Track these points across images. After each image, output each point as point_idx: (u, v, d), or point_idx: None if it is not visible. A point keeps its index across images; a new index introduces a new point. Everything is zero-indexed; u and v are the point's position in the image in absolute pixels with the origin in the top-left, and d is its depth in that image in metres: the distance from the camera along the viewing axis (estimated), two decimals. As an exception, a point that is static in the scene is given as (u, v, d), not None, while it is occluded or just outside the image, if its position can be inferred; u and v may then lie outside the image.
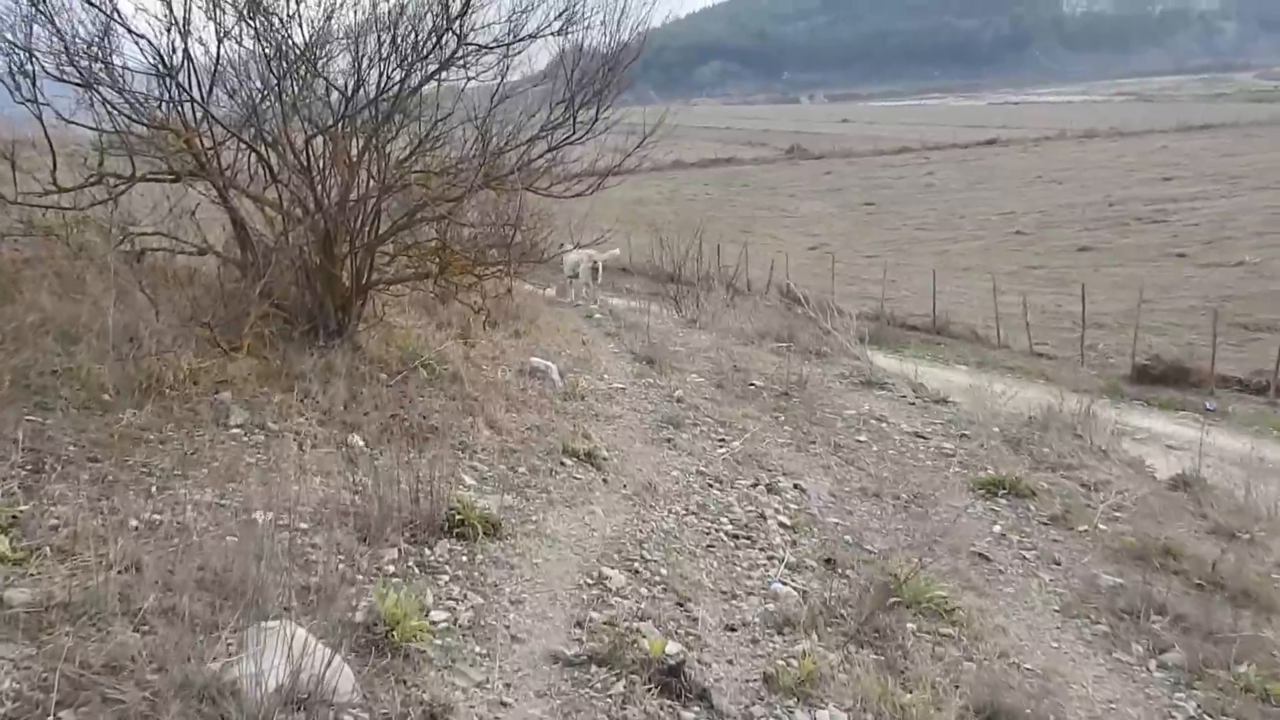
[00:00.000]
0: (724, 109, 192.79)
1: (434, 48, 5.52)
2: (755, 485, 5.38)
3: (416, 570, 3.70)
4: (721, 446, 6.11)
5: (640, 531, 4.52)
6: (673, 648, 3.42)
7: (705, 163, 78.49)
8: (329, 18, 5.45)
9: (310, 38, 5.43)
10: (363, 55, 5.39)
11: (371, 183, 5.70)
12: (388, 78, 5.37)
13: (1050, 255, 34.89)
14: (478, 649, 3.27)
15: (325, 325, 5.64)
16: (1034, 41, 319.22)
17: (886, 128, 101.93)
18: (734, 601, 4.14)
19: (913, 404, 7.84)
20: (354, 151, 5.73)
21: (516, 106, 6.33)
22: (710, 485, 5.30)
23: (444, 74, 5.67)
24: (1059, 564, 4.99)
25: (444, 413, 5.25)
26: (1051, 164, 61.31)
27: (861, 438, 6.80)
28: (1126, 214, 41.30)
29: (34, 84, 5.21)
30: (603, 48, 5.86)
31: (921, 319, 25.89)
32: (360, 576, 3.44)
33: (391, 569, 3.63)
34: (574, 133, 6.13)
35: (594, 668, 3.27)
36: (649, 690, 3.16)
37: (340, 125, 5.43)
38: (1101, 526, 5.30)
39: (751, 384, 7.92)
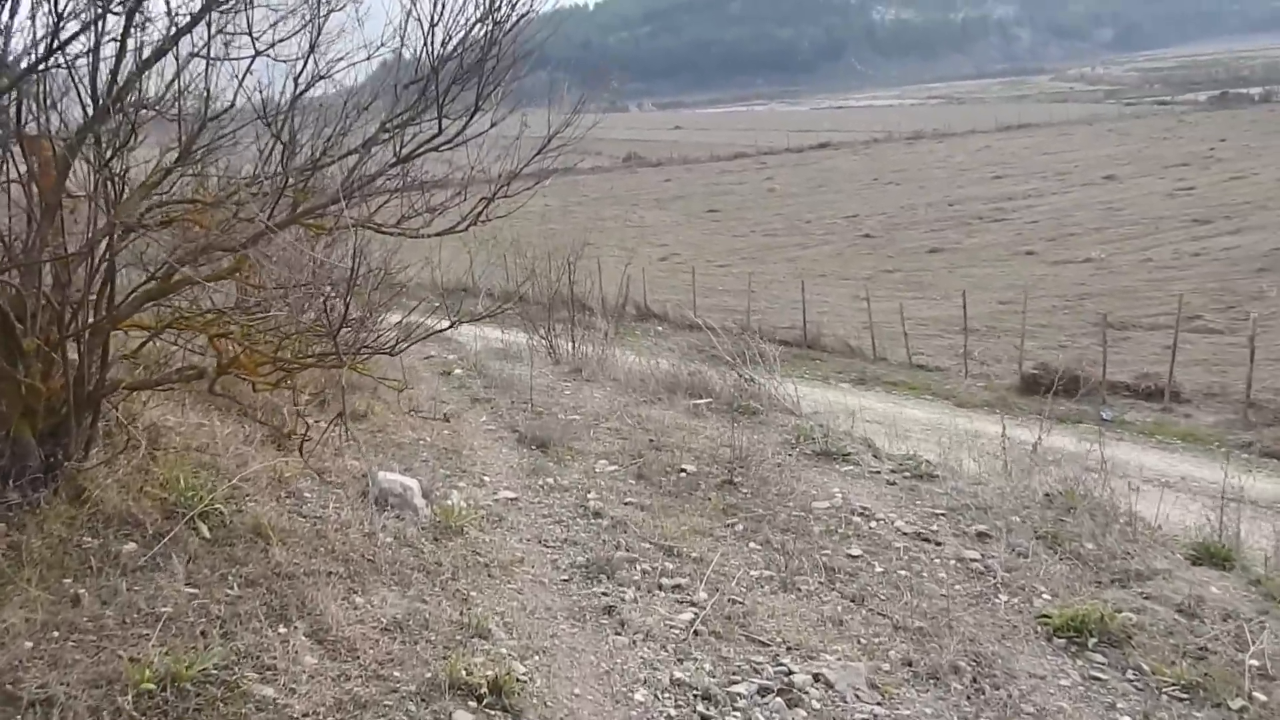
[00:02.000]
0: (555, 117, 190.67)
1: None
2: (763, 693, 3.35)
3: None
4: (682, 604, 4.06)
5: None
6: None
7: (542, 173, 76.29)
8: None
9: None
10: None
11: (100, 220, 3.36)
12: (99, 33, 3.06)
13: (902, 258, 34.42)
14: None
15: (19, 466, 3.29)
16: (848, 49, 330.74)
17: (719, 134, 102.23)
18: None
19: (891, 482, 6.02)
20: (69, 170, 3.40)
21: (343, 96, 4.13)
22: (696, 711, 3.22)
23: (210, 32, 3.39)
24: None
25: (232, 623, 3.01)
26: (885, 166, 62.06)
27: (854, 550, 4.90)
28: (968, 214, 41.54)
29: None
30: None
31: (790, 332, 24.45)
32: None
33: None
34: (440, 132, 3.95)
35: None
36: None
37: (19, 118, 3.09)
38: (1260, 697, 3.56)
39: (682, 470, 5.92)
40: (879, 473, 6.33)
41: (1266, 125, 65.98)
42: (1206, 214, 36.24)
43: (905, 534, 5.08)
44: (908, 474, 6.35)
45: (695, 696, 3.30)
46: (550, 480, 5.53)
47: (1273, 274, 26.70)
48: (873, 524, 5.17)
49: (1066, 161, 55.99)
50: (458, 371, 8.82)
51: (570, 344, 10.77)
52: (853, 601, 4.26)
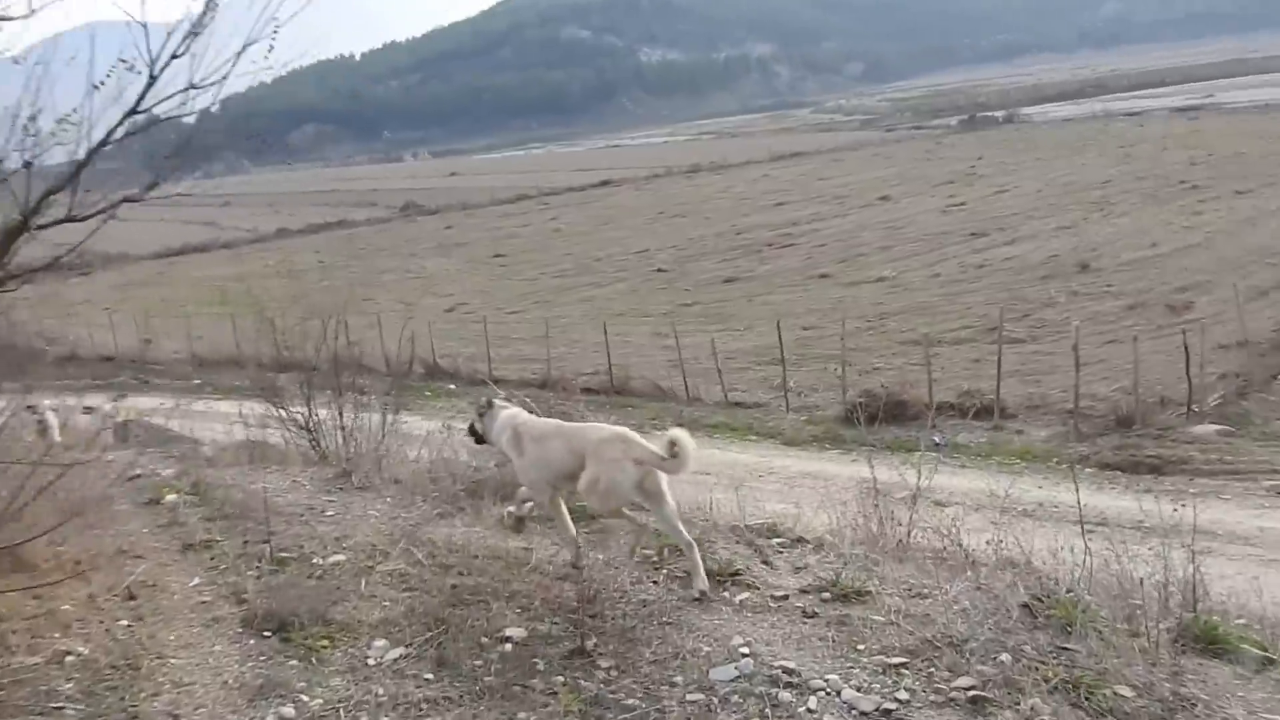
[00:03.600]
0: (326, 172, 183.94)
1: None
2: None
3: None
4: None
5: None
6: None
7: (314, 228, 72.56)
8: None
9: None
10: None
11: None
12: None
13: (699, 290, 33.54)
14: None
15: None
16: (619, 90, 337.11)
17: (498, 177, 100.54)
18: None
19: (810, 613, 4.19)
20: None
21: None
22: None
23: None
24: None
25: None
26: (668, 200, 61.98)
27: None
28: (757, 241, 41.41)
29: None
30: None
31: (595, 379, 22.74)
32: None
33: None
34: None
35: None
36: None
37: None
38: None
39: (505, 638, 3.87)
40: (785, 596, 4.54)
41: (1015, 143, 70.53)
42: (981, 227, 37.40)
43: (864, 714, 3.29)
44: (826, 594, 4.59)
45: None
46: (290, 710, 3.34)
47: (1057, 280, 27.29)
48: (810, 701, 3.35)
49: (842, 185, 57.51)
50: (171, 497, 6.29)
51: (339, 430, 8.44)
52: None
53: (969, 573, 5.02)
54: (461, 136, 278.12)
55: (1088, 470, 13.79)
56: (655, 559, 5.16)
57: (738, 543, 5.49)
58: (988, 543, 7.76)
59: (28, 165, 4.15)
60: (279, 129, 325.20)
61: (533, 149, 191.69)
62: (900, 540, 6.93)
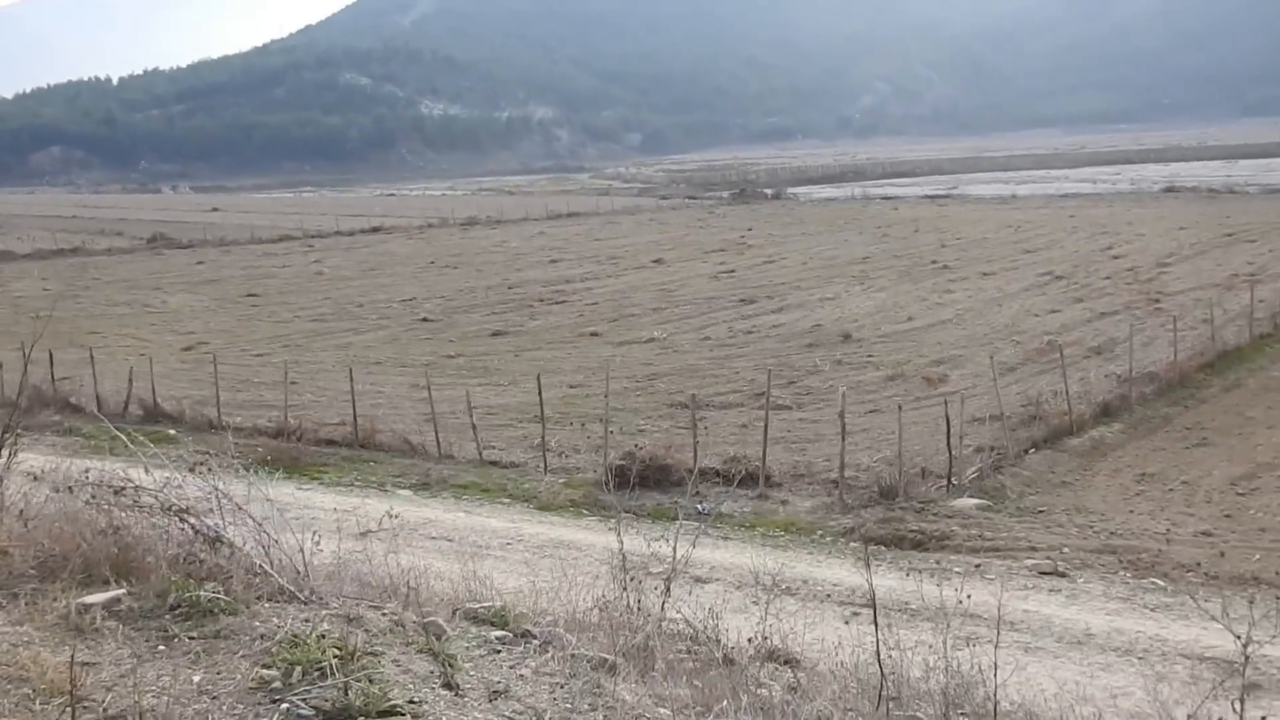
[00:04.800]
0: (70, 198, 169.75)
1: None
2: None
3: None
4: None
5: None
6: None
7: (44, 254, 65.79)
8: None
9: None
10: None
11: None
12: None
13: (464, 342, 31.90)
14: None
15: None
16: (399, 140, 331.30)
17: (263, 217, 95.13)
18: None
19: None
20: None
21: None
22: None
23: None
24: None
25: None
26: (441, 250, 60.15)
27: None
28: (529, 296, 40.29)
29: None
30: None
31: (339, 430, 20.62)
32: None
33: None
34: None
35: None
36: None
37: None
38: None
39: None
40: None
41: (783, 217, 73.45)
42: (750, 294, 37.84)
43: None
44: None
45: None
46: None
47: (821, 349, 27.53)
48: None
49: (617, 247, 57.57)
50: None
51: None
52: None
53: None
54: (228, 174, 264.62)
55: (852, 544, 13.17)
56: (280, 681, 3.58)
57: (421, 653, 3.96)
58: (749, 639, 6.64)
59: None
60: (19, 148, 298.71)
61: (304, 192, 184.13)
62: (647, 638, 5.67)
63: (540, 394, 18.64)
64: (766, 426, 16.61)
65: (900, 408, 16.74)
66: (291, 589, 4.27)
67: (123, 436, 5.47)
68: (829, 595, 11.26)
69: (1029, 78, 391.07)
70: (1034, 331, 28.34)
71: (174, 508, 4.59)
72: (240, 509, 4.87)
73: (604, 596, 9.27)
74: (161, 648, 3.74)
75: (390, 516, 7.04)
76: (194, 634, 3.83)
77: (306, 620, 4.15)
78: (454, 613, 6.80)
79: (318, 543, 8.50)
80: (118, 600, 3.91)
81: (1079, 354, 24.39)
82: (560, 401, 22.41)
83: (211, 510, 4.93)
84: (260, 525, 4.69)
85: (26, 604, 3.88)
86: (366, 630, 4.17)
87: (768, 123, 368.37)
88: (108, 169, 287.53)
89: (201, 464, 4.99)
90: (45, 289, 48.83)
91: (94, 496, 5.02)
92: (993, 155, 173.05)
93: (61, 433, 21.71)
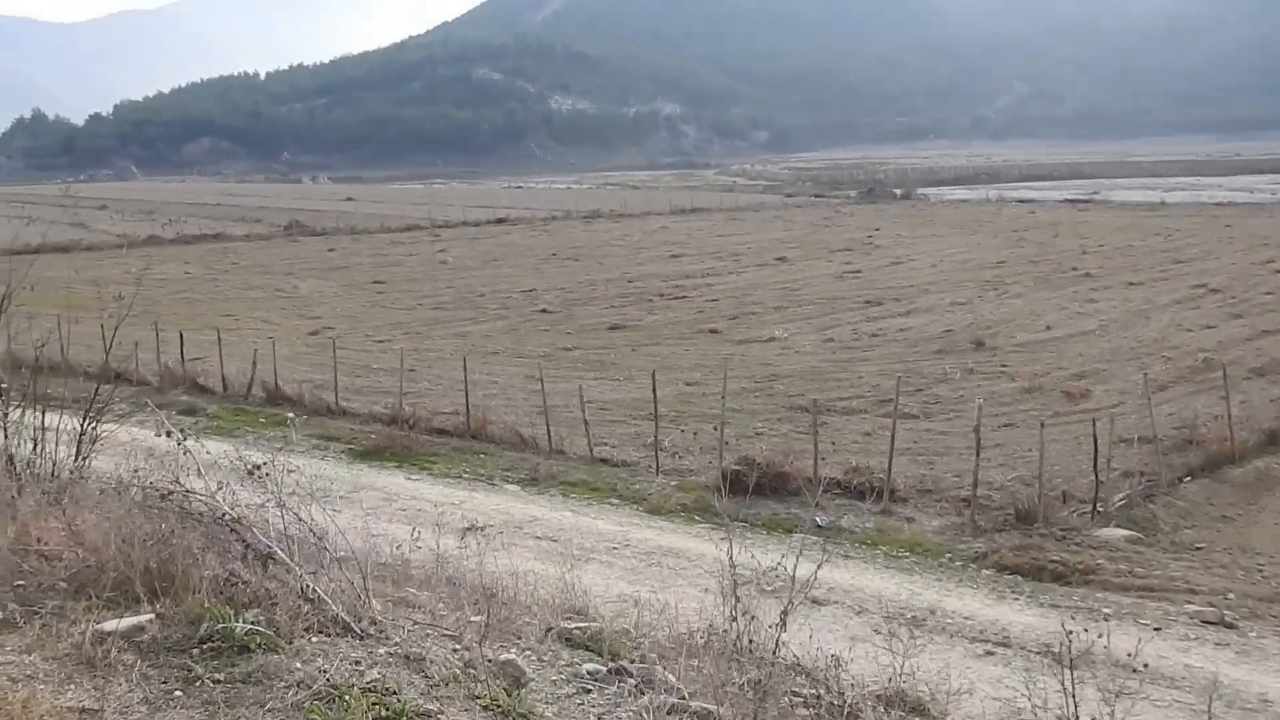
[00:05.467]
0: (217, 186, 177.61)
1: None
2: None
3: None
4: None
5: None
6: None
7: (188, 238, 68.62)
8: None
9: None
10: None
11: None
12: None
13: (581, 335, 31.54)
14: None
15: None
16: (528, 134, 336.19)
17: (393, 206, 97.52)
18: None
19: None
20: None
21: None
22: None
23: None
24: None
25: None
26: (563, 242, 60.27)
27: None
28: (648, 290, 39.76)
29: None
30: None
31: (451, 419, 20.38)
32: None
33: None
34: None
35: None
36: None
37: None
38: None
39: None
40: None
41: (912, 218, 71.20)
42: (876, 296, 36.49)
43: None
44: None
45: None
46: None
47: (952, 356, 26.14)
48: None
49: (739, 243, 56.63)
50: None
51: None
52: None
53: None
54: (364, 165, 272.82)
55: (985, 571, 12.09)
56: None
57: (487, 710, 3.31)
58: (877, 697, 5.85)
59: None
60: (173, 139, 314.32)
61: (435, 184, 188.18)
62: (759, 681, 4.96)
63: (655, 391, 17.99)
64: (894, 436, 15.56)
65: (1043, 424, 15.47)
66: (347, 618, 3.67)
67: (170, 430, 4.98)
68: (959, 630, 10.25)
69: (1180, 80, 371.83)
70: (1187, 348, 26.27)
71: (225, 517, 4.05)
72: (301, 520, 4.29)
73: (712, 620, 8.53)
74: (179, 693, 3.21)
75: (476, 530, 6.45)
76: (220, 676, 3.29)
77: (357, 663, 3.56)
78: (547, 633, 6.18)
79: (417, 538, 8.04)
80: (141, 629, 3.39)
81: (1239, 375, 22.38)
82: (675, 399, 21.77)
83: (271, 515, 4.36)
84: (320, 541, 4.10)
85: (42, 627, 3.40)
86: (427, 676, 3.56)
87: (899, 122, 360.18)
88: (253, 160, 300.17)
89: (260, 468, 4.43)
90: (187, 272, 50.76)
91: (145, 499, 4.54)
92: (1139, 160, 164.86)
93: (183, 411, 22.12)
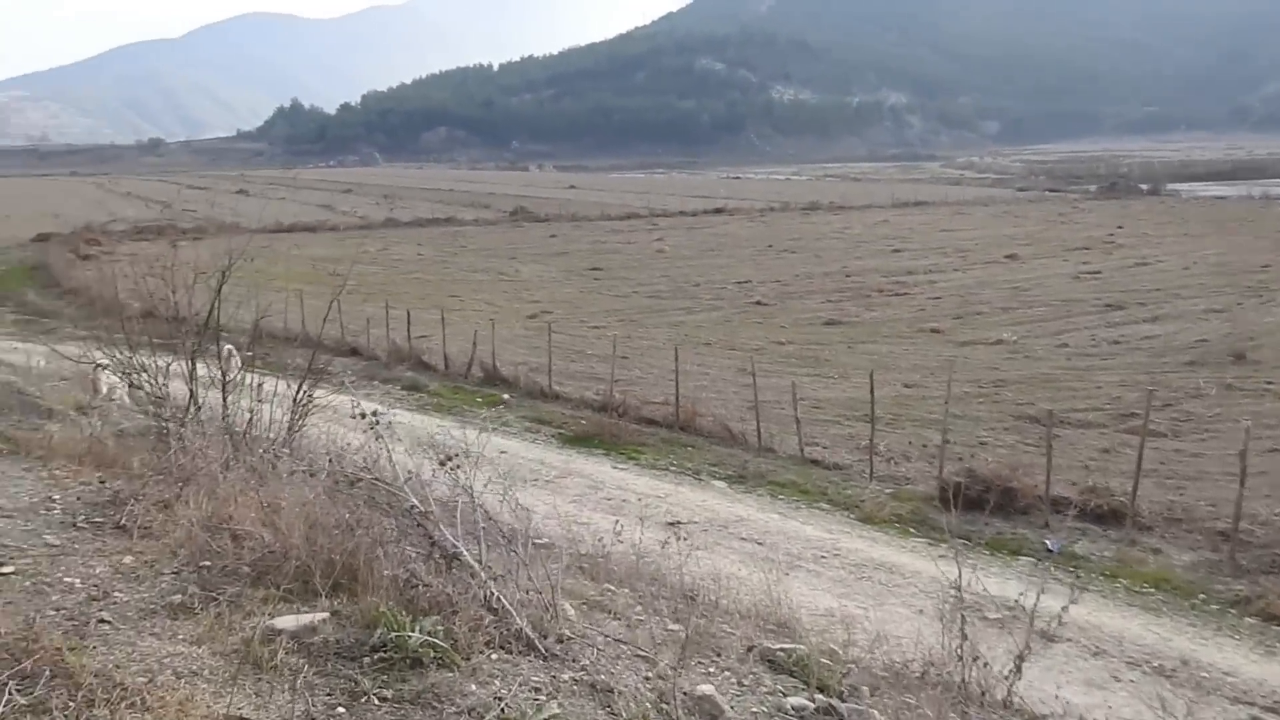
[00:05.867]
0: (451, 173, 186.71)
1: None
2: None
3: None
4: None
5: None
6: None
7: (422, 222, 72.33)
8: None
9: None
10: None
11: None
12: None
13: (796, 329, 30.82)
14: None
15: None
16: (748, 124, 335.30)
17: (613, 195, 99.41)
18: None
19: None
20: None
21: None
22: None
23: None
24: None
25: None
26: (780, 233, 59.45)
27: None
28: (867, 285, 38.51)
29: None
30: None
31: (661, 409, 20.21)
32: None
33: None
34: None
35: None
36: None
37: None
38: None
39: None
40: None
41: (1160, 215, 65.84)
42: (1118, 299, 33.81)
43: None
44: None
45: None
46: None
47: (1206, 369, 23.74)
48: None
49: (965, 239, 54.08)
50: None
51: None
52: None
53: None
54: (587, 154, 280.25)
55: (1248, 620, 10.68)
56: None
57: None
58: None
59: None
60: (413, 128, 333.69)
61: (655, 173, 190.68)
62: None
63: (873, 391, 17.16)
64: (1141, 455, 14.10)
65: (1321, 452, 13.64)
66: (532, 634, 3.33)
67: (364, 411, 4.79)
68: (1217, 687, 9.04)
69: None
70: None
71: (413, 509, 3.79)
72: (491, 519, 3.99)
73: (930, 651, 7.81)
74: (341, 709, 2.96)
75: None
76: (388, 693, 3.02)
77: (537, 689, 3.22)
78: (748, 651, 5.73)
79: (620, 531, 7.79)
80: (314, 629, 3.18)
81: None
82: (892, 401, 20.81)
83: (462, 508, 4.07)
84: (510, 543, 3.78)
85: (216, 616, 3.24)
86: (613, 712, 3.18)
87: (1145, 112, 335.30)
88: (484, 148, 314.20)
89: (452, 459, 4.14)
90: (419, 254, 53.41)
91: (335, 484, 4.38)
92: None
93: (407, 386, 23.05)
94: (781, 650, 5.91)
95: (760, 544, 12.60)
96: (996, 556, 12.70)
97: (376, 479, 4.02)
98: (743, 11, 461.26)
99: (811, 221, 67.84)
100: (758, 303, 35.61)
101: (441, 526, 3.59)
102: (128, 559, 3.48)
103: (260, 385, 7.08)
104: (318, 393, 7.26)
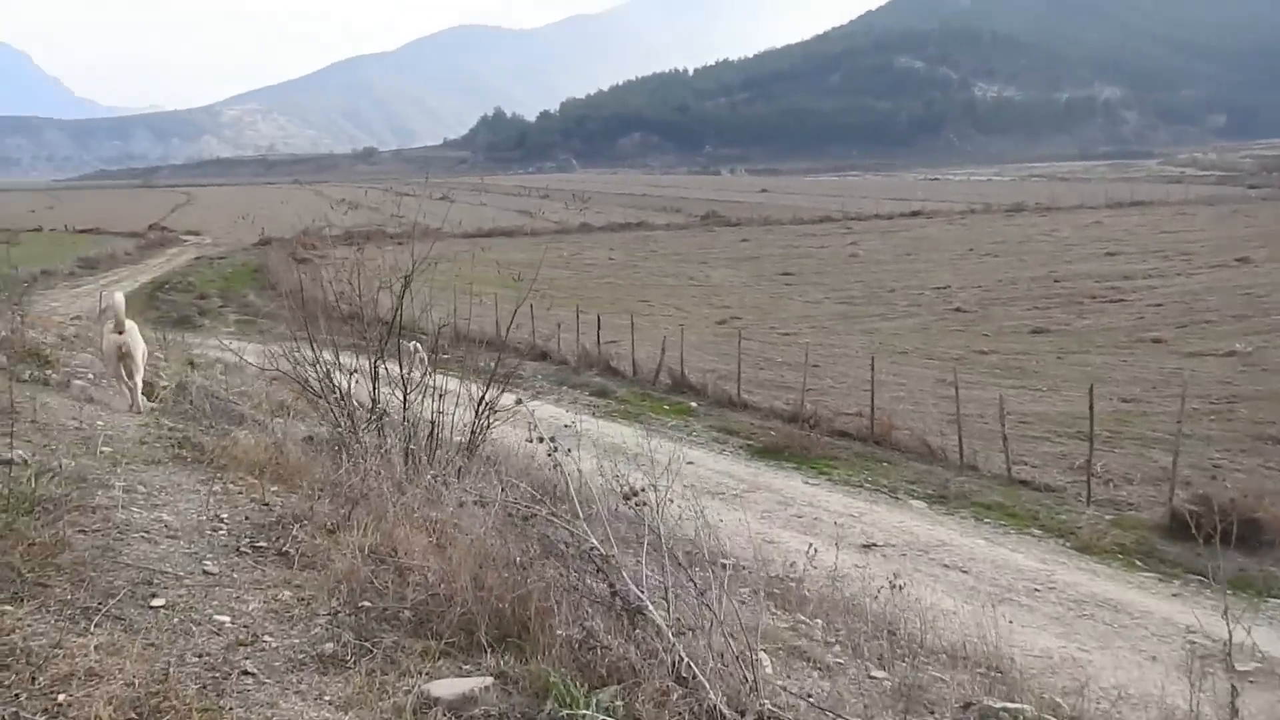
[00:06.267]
0: (644, 178, 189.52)
1: None
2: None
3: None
4: None
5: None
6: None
7: (614, 226, 73.36)
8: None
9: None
10: None
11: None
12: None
13: (1000, 338, 29.15)
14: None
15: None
16: (947, 124, 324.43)
17: (806, 198, 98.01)
18: None
19: None
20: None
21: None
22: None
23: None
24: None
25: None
26: (982, 236, 56.86)
27: None
28: (1078, 291, 36.07)
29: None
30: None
31: (854, 421, 19.40)
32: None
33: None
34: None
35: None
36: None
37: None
38: None
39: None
40: None
41: None
42: (1374, 307, 30.27)
43: None
44: None
45: None
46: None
47: None
48: None
49: (1189, 241, 50.01)
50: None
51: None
52: None
53: None
54: (780, 157, 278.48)
55: None
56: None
57: None
58: None
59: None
60: (609, 134, 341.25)
61: (849, 175, 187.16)
62: None
63: (1091, 406, 15.83)
64: None
65: None
66: (728, 713, 2.83)
67: (542, 436, 4.45)
68: None
69: None
70: None
71: (594, 553, 3.37)
72: (680, 565, 3.49)
73: (1173, 712, 6.95)
74: None
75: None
76: None
77: None
78: (965, 709, 5.13)
79: (813, 554, 7.29)
80: (474, 699, 2.80)
81: None
82: (1109, 418, 19.19)
83: (647, 550, 3.59)
84: (700, 596, 3.28)
85: (368, 674, 2.88)
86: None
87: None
88: (678, 153, 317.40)
89: (640, 494, 3.69)
90: (611, 258, 54.11)
91: (509, 515, 3.98)
92: None
93: (595, 392, 23.12)
94: (1005, 711, 5.25)
95: (965, 572, 11.74)
96: (1241, 596, 11.35)
97: (553, 514, 3.65)
98: (944, 7, 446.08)
99: (1016, 223, 64.55)
100: (957, 309, 33.98)
101: (624, 574, 3.16)
102: (285, 593, 3.28)
103: (443, 391, 6.96)
104: (504, 400, 7.09)
